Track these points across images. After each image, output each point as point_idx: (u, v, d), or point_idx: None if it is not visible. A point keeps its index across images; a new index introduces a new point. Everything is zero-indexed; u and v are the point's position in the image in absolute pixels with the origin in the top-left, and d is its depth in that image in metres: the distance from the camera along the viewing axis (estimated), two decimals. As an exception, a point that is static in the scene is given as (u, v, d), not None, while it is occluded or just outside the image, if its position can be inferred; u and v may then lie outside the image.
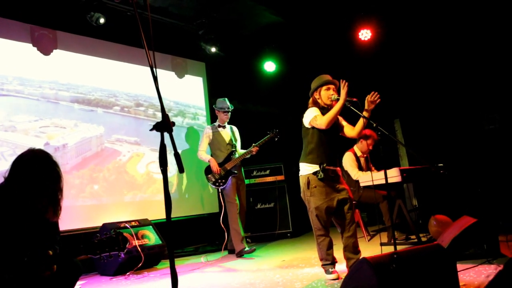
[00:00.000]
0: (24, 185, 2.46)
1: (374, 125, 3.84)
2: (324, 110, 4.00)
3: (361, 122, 3.94)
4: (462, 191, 6.38)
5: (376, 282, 2.50)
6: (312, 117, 3.92)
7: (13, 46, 5.46)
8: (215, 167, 5.78)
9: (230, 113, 6.04)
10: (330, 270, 3.88)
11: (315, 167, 3.89)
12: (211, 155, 6.01)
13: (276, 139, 5.88)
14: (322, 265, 3.97)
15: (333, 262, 3.94)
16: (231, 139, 6.03)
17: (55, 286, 2.51)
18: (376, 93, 3.84)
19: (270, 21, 7.40)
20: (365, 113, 3.84)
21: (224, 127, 6.08)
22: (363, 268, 2.62)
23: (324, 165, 3.85)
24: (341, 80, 3.77)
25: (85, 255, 2.52)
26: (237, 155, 5.90)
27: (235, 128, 6.23)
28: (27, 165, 2.50)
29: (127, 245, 2.57)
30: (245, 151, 5.90)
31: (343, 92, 3.73)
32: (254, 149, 5.81)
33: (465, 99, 6.86)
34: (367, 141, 5.87)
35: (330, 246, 3.95)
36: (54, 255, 2.44)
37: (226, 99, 6.07)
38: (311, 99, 4.10)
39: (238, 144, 6.12)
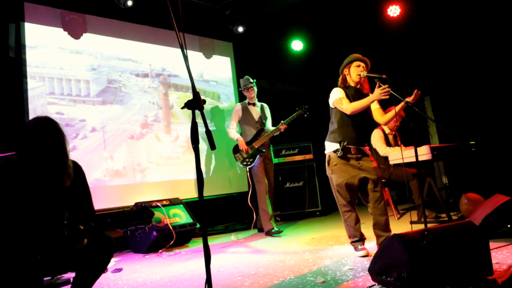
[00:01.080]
0: (27, 150, 2.49)
1: (404, 102, 3.81)
2: (349, 89, 4.00)
3: (392, 113, 3.93)
4: (494, 169, 6.27)
5: (407, 258, 2.51)
6: (337, 99, 3.92)
7: (40, 30, 5.58)
8: (243, 146, 5.80)
9: (254, 87, 6.01)
10: (359, 247, 3.90)
11: (336, 145, 3.93)
12: (240, 133, 6.02)
13: (305, 115, 5.79)
14: (351, 242, 3.99)
15: (362, 238, 3.96)
16: (260, 117, 6.01)
17: (90, 260, 2.59)
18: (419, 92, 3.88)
19: (297, -1, 7.33)
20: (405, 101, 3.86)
21: (254, 104, 6.07)
22: (393, 245, 2.63)
23: (345, 143, 3.88)
24: (387, 86, 3.69)
25: (112, 229, 2.58)
26: (267, 132, 5.88)
27: (265, 106, 6.19)
28: (29, 130, 2.53)
29: (151, 219, 2.62)
30: (273, 128, 5.87)
31: (378, 90, 3.69)
32: (282, 126, 5.75)
33: (496, 75, 6.68)
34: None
35: (357, 221, 3.97)
36: (85, 230, 2.53)
37: (247, 76, 6.07)
38: (340, 77, 4.09)
39: (269, 122, 6.09)
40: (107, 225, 2.55)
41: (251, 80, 6.02)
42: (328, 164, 4.01)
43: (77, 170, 2.74)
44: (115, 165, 5.92)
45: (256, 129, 5.96)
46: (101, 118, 5.91)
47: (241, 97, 7.48)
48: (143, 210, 2.59)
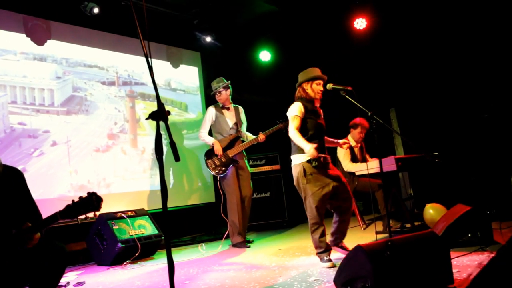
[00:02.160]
0: None
1: (369, 113, 3.88)
2: (309, 102, 4.13)
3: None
4: (456, 180, 6.42)
5: (371, 269, 2.53)
6: (294, 116, 4.06)
7: (1, 35, 5.41)
8: (219, 150, 5.51)
9: (227, 89, 5.69)
10: (325, 258, 3.93)
11: (308, 156, 3.95)
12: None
13: (284, 131, 5.32)
14: (317, 253, 4.02)
15: (327, 249, 4.00)
16: (235, 123, 5.71)
17: (43, 272, 2.52)
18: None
19: (265, 10, 7.36)
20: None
21: (228, 108, 5.77)
22: (357, 256, 2.65)
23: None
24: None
25: (62, 218, 2.54)
26: (245, 140, 5.64)
27: (241, 109, 5.90)
28: None
29: (101, 204, 2.59)
30: (252, 138, 5.59)
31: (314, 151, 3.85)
32: (261, 137, 5.47)
33: (460, 87, 6.87)
34: (357, 129, 5.88)
35: (322, 234, 4.00)
36: (34, 226, 2.49)
37: (218, 78, 5.75)
38: (301, 90, 4.18)
39: (244, 127, 5.83)
40: (57, 218, 2.51)
41: (226, 81, 5.69)
42: (304, 175, 3.99)
43: (17, 174, 2.79)
44: (80, 180, 5.75)
45: (230, 136, 5.67)
46: (65, 129, 5.75)
47: (208, 105, 7.44)
48: (91, 196, 2.56)
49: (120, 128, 6.38)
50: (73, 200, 2.58)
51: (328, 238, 4.14)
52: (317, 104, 4.19)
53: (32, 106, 5.51)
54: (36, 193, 4.95)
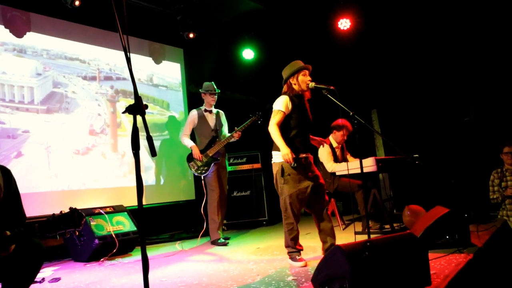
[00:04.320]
0: None
1: (351, 113, 3.87)
2: (297, 97, 4.03)
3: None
4: (436, 182, 6.48)
5: (349, 269, 2.52)
6: (278, 109, 3.94)
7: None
8: (197, 154, 5.63)
9: (216, 96, 5.87)
10: (297, 257, 3.95)
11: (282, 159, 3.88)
12: (195, 141, 5.85)
13: (259, 122, 5.64)
14: (288, 252, 4.03)
15: (298, 250, 4.01)
16: (215, 125, 5.84)
17: (17, 269, 2.45)
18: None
19: (249, 8, 7.32)
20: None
21: (210, 112, 5.89)
22: (336, 256, 2.64)
23: (298, 153, 3.89)
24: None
25: (40, 234, 2.45)
26: (222, 139, 5.74)
27: (221, 112, 6.03)
28: None
29: (82, 221, 2.51)
30: (228, 135, 5.72)
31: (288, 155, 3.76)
32: (236, 134, 5.62)
33: (441, 91, 6.94)
34: (341, 132, 5.87)
35: (295, 236, 3.99)
36: (12, 236, 2.39)
37: (213, 83, 5.91)
38: (286, 86, 4.10)
39: (225, 129, 5.92)
40: (35, 230, 2.42)
41: (217, 90, 5.85)
42: (282, 175, 3.92)
43: (6, 174, 2.63)
44: (60, 185, 5.59)
45: (211, 137, 5.79)
46: (45, 129, 5.58)
47: (190, 103, 7.39)
48: (73, 213, 2.49)
49: (101, 128, 6.25)
50: (53, 214, 2.48)
51: (321, 247, 4.13)
52: (306, 98, 4.11)
53: (11, 103, 5.33)
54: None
